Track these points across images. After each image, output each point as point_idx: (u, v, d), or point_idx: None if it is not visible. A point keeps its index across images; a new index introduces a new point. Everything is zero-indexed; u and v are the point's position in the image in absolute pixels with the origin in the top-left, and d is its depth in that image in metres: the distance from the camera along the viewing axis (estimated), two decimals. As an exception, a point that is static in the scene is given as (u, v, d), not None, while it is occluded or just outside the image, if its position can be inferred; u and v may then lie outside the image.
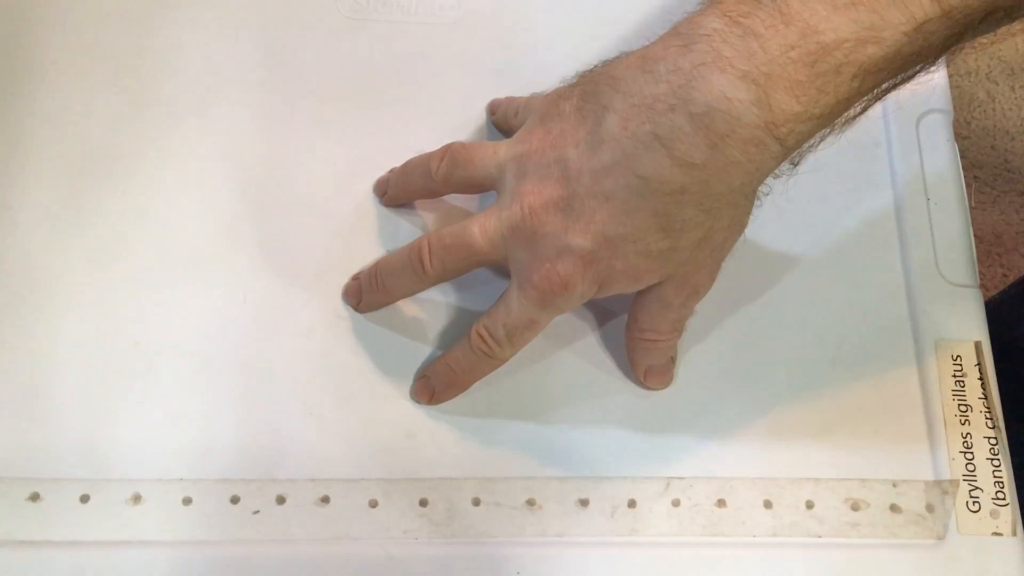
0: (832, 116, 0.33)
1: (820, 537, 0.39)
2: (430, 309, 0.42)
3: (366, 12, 0.47)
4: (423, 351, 0.41)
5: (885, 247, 0.44)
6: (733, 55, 0.31)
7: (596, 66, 0.36)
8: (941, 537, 0.39)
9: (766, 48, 0.31)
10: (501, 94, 0.45)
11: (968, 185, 0.46)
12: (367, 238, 0.43)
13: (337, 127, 0.44)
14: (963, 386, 0.41)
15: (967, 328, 0.43)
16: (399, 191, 0.43)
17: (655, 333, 0.39)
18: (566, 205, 0.35)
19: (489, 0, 0.48)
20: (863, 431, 0.41)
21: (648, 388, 0.41)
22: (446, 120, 0.45)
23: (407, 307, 0.41)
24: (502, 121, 0.44)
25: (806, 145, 0.34)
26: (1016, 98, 1.22)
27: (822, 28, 0.31)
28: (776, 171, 0.34)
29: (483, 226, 0.37)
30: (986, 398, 0.41)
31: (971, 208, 0.46)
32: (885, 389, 0.41)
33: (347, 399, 0.40)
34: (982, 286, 0.44)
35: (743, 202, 0.36)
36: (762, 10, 0.31)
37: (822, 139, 0.34)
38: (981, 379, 0.42)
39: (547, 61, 0.46)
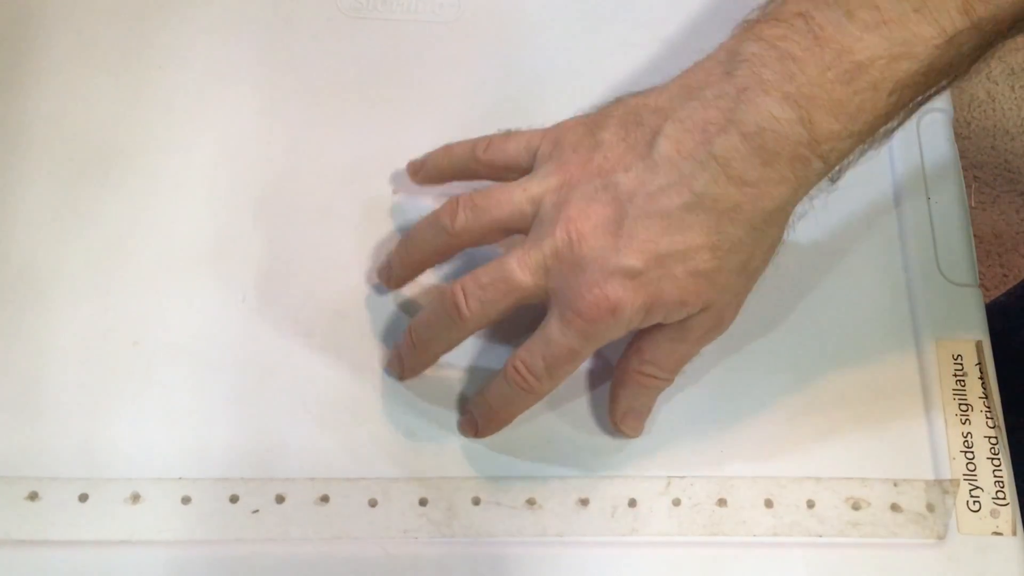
0: (871, 131, 0.34)
1: (821, 536, 0.39)
2: (430, 308, 0.42)
3: (366, 10, 0.47)
4: (423, 350, 0.41)
5: (885, 246, 0.44)
6: (774, 78, 0.33)
7: (622, 98, 0.37)
8: (941, 537, 0.39)
9: (804, 70, 0.32)
10: (501, 93, 0.45)
11: (968, 185, 0.46)
12: (367, 237, 0.42)
13: (337, 126, 0.44)
14: (964, 385, 0.41)
15: (968, 327, 0.42)
16: (403, 268, 0.40)
17: (656, 368, 0.38)
18: (616, 227, 0.34)
19: (489, -1, 0.48)
20: (864, 430, 0.40)
21: (620, 432, 0.39)
22: (446, 119, 0.45)
23: (407, 307, 0.41)
24: (506, 163, 0.40)
25: (845, 161, 0.35)
26: (1016, 98, 1.22)
27: (855, 48, 0.32)
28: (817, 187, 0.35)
29: (522, 259, 0.35)
30: (987, 397, 0.41)
31: (971, 208, 0.46)
32: (886, 388, 0.41)
33: (347, 399, 0.39)
34: (982, 286, 0.44)
35: (783, 222, 0.36)
36: (796, 32, 0.33)
37: (861, 154, 0.35)
38: (982, 378, 0.42)
39: (547, 60, 0.46)
